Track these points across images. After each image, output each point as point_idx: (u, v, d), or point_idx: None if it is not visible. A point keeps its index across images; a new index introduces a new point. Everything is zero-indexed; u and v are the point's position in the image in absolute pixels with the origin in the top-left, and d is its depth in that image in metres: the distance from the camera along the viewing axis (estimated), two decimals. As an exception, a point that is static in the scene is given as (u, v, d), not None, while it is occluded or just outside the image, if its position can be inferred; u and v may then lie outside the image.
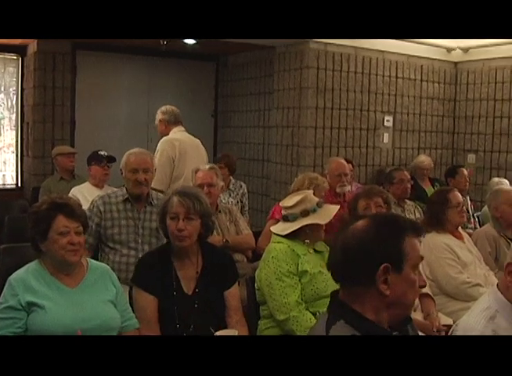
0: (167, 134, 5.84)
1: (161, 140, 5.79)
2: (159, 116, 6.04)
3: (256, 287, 3.66)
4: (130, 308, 3.23)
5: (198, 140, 6.05)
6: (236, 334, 3.11)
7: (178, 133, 5.85)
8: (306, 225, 3.62)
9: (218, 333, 3.05)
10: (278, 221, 4.41)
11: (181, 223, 3.26)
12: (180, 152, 5.62)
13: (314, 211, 3.66)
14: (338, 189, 5.56)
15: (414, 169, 7.59)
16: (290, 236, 3.63)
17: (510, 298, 2.44)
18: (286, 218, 3.71)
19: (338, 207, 3.86)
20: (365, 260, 1.88)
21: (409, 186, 6.20)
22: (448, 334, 2.44)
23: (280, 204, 3.91)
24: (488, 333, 2.30)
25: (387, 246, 1.88)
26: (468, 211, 6.82)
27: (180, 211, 3.28)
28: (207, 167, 4.86)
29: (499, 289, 2.51)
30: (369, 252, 1.88)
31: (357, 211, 4.34)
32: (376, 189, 4.58)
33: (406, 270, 1.89)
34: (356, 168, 7.34)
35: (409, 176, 6.29)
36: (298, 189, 4.74)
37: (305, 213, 3.64)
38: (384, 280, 1.86)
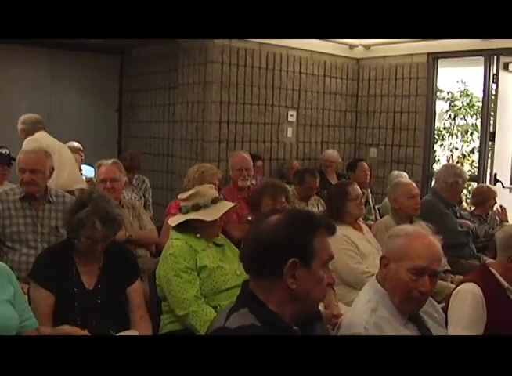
0: None
1: (25, 140, 5.75)
2: (19, 126, 6.01)
3: (157, 283, 3.64)
4: (29, 307, 3.13)
5: (64, 145, 5.99)
6: (137, 334, 3.08)
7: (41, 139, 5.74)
8: (197, 221, 3.61)
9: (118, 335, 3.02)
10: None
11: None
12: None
13: (206, 206, 3.64)
14: (240, 184, 5.59)
15: (321, 163, 7.73)
16: (185, 230, 3.62)
17: (388, 289, 2.51)
18: (181, 211, 3.71)
19: (231, 205, 3.82)
20: (275, 253, 1.93)
21: (315, 192, 6.35)
22: (335, 330, 2.49)
23: (179, 196, 3.89)
24: (371, 326, 2.34)
25: (298, 242, 1.94)
26: (369, 204, 7.01)
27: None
28: (110, 162, 4.78)
29: (378, 281, 2.57)
30: (279, 246, 1.94)
31: (261, 207, 4.34)
32: (281, 188, 4.60)
33: (315, 267, 1.95)
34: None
35: (317, 184, 6.39)
36: (189, 180, 4.80)
37: (196, 207, 3.63)
38: (292, 275, 1.92)
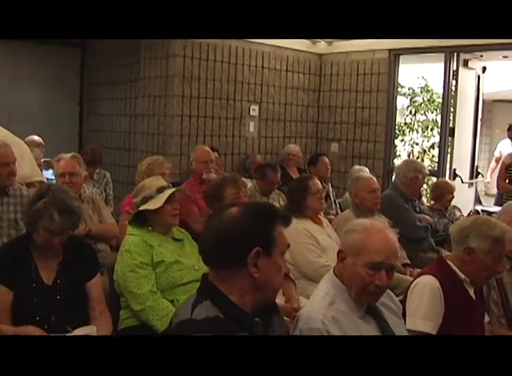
0: None
1: None
2: None
3: (114, 279, 3.62)
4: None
5: (20, 140, 5.90)
6: (95, 330, 3.06)
7: None
8: (149, 213, 3.61)
9: (76, 331, 3.00)
10: (129, 213, 4.39)
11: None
12: None
13: (152, 197, 3.65)
14: (205, 176, 5.59)
15: (283, 157, 7.75)
16: (140, 225, 3.63)
17: (345, 283, 2.52)
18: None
19: (173, 190, 3.78)
20: (239, 243, 1.98)
21: (276, 187, 6.37)
22: (293, 324, 2.50)
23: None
24: (328, 320, 2.35)
25: (260, 230, 2.01)
26: (330, 198, 7.04)
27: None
28: (69, 156, 4.72)
29: (335, 274, 2.59)
30: (242, 236, 1.99)
31: (222, 199, 4.33)
32: (241, 180, 4.62)
33: (275, 255, 2.02)
34: (222, 156, 7.40)
35: (279, 179, 6.41)
36: (139, 174, 4.92)
37: (144, 200, 3.64)
38: (255, 263, 1.97)
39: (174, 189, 3.79)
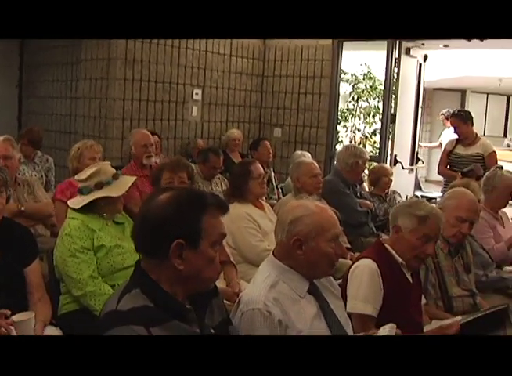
0: None
1: None
2: None
3: (54, 264, 3.56)
4: None
5: None
6: (33, 316, 3.01)
7: None
8: (101, 199, 3.55)
9: (14, 318, 2.95)
10: (62, 201, 4.33)
11: None
12: None
13: (108, 183, 3.59)
14: (145, 161, 5.54)
15: (226, 142, 7.75)
16: (86, 210, 3.55)
17: (290, 265, 2.59)
18: (80, 192, 3.60)
19: (134, 178, 3.79)
20: (162, 233, 1.92)
21: (218, 172, 6.36)
22: (233, 307, 2.52)
23: (76, 177, 3.82)
24: (270, 302, 2.40)
25: (184, 222, 1.93)
26: (272, 183, 7.08)
27: None
28: (2, 138, 4.62)
29: (276, 257, 2.63)
30: (165, 226, 1.92)
31: (160, 182, 4.30)
32: (183, 163, 4.55)
33: (203, 247, 1.94)
34: (164, 140, 7.34)
35: (221, 164, 6.39)
36: (70, 159, 4.90)
37: (99, 186, 3.56)
38: (179, 255, 1.91)
39: (134, 179, 3.79)
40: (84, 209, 3.54)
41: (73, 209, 3.56)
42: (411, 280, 3.31)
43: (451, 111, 8.49)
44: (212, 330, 2.09)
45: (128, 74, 6.99)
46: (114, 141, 6.80)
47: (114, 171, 3.73)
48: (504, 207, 5.13)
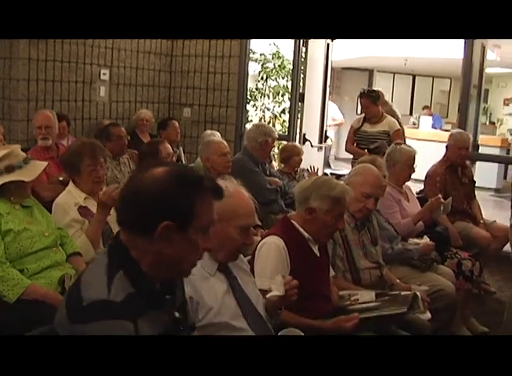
0: None
1: None
2: None
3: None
4: None
5: None
6: None
7: None
8: (11, 183, 3.47)
9: None
10: None
11: None
12: None
13: (20, 167, 3.52)
14: (40, 143, 5.41)
15: (135, 123, 7.66)
16: None
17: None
18: None
19: (46, 163, 3.74)
20: (152, 211, 1.81)
21: (126, 142, 6.14)
22: None
23: None
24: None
25: (178, 203, 1.82)
26: (182, 163, 7.07)
27: None
28: None
29: None
30: (157, 203, 1.81)
31: (80, 171, 4.08)
32: (98, 148, 4.32)
33: (192, 231, 1.84)
34: (72, 121, 7.17)
35: (125, 132, 6.26)
36: None
37: (10, 169, 3.48)
38: (166, 237, 1.81)
39: (45, 164, 3.74)
40: None
41: None
42: (318, 254, 3.40)
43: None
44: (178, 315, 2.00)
45: (32, 53, 6.78)
46: (19, 123, 6.62)
47: (25, 155, 3.66)
48: (408, 180, 5.32)
